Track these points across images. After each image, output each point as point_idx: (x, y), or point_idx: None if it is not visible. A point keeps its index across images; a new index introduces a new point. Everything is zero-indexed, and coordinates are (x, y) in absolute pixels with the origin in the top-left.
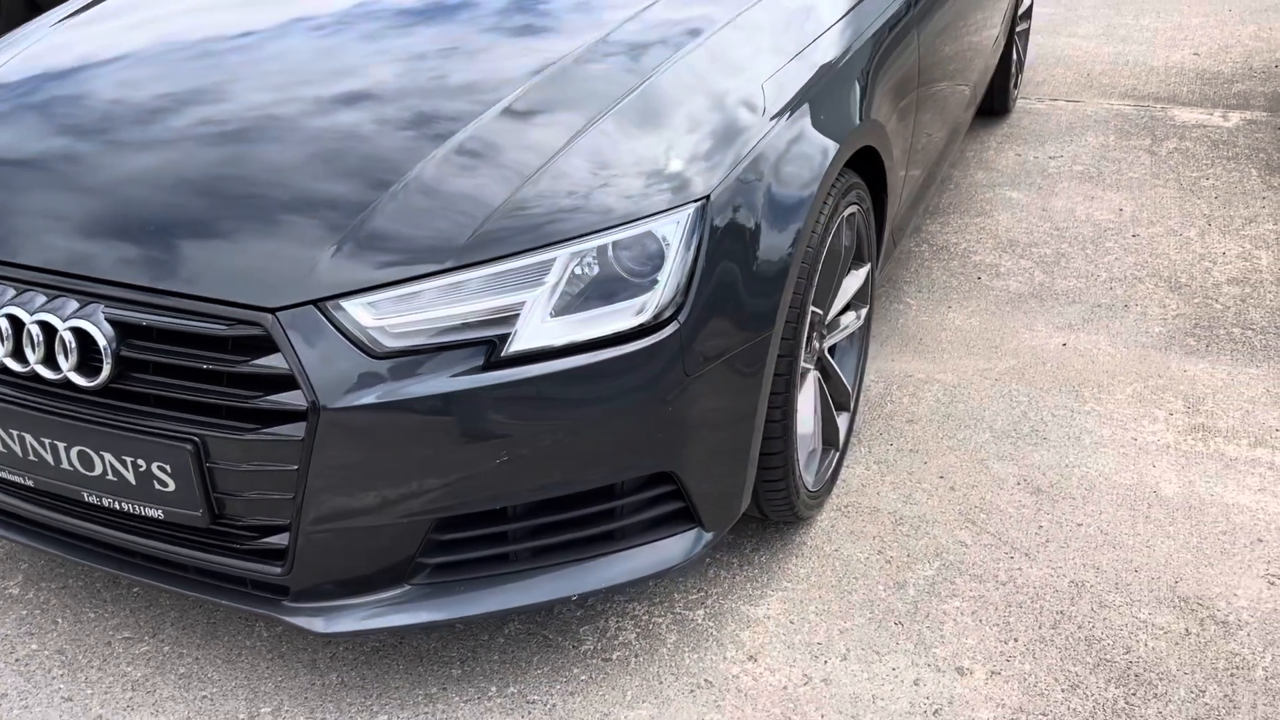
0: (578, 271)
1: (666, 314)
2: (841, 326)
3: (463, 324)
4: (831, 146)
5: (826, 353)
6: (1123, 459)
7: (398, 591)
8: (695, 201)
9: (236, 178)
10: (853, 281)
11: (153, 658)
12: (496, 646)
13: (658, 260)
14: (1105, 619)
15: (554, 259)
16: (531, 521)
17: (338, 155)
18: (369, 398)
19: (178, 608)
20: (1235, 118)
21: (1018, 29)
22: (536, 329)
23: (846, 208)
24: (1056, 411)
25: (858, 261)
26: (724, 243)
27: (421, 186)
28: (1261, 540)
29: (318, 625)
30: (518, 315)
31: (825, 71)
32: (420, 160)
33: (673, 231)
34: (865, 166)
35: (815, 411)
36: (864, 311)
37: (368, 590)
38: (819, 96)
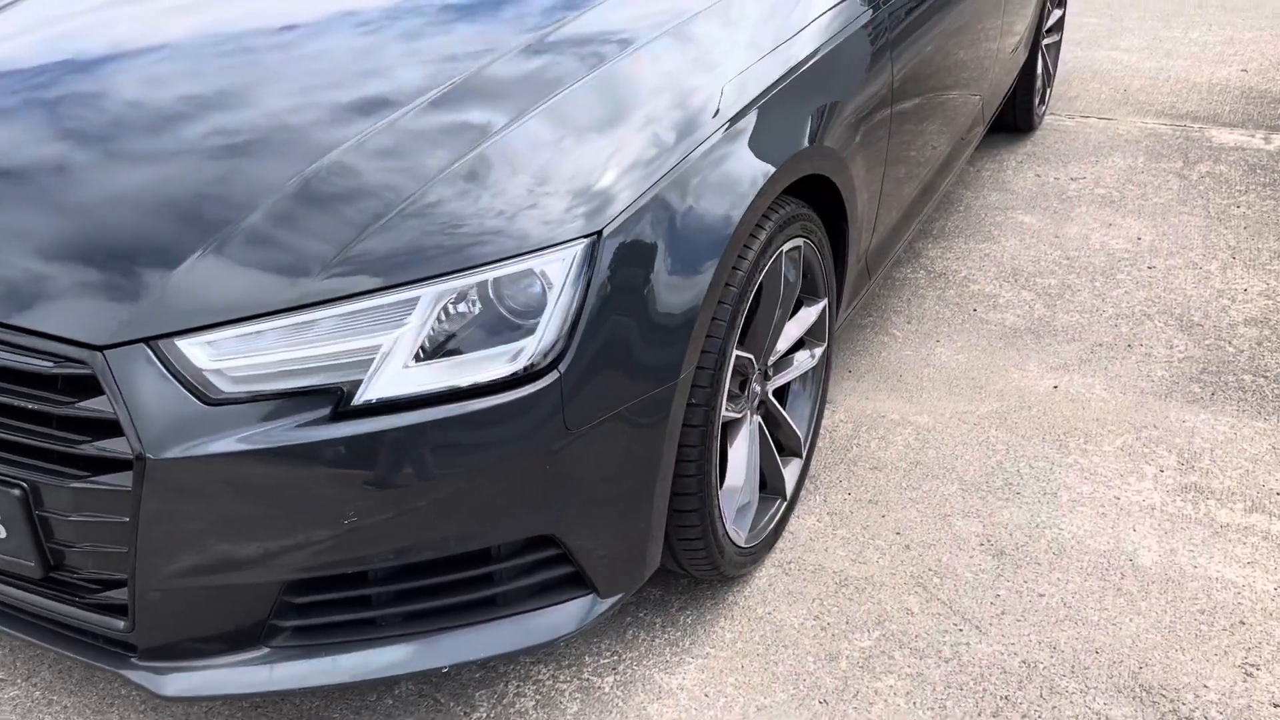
0: (451, 312)
1: (545, 362)
2: (792, 366)
3: (311, 368)
4: (762, 175)
5: (771, 396)
6: (1100, 520)
7: (255, 654)
8: (585, 238)
9: (77, 202)
10: (804, 320)
11: (21, 703)
12: (383, 709)
13: (539, 302)
14: (1055, 707)
15: (418, 298)
16: (395, 586)
17: (188, 179)
18: (200, 449)
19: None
20: (1277, 141)
21: (1045, 42)
22: (396, 376)
23: (788, 241)
24: (1035, 463)
25: (811, 297)
26: (620, 283)
27: (276, 215)
28: (1243, 623)
29: (161, 686)
30: (372, 360)
31: (764, 93)
32: (277, 187)
33: (557, 270)
34: (821, 194)
35: (752, 461)
36: (820, 350)
37: (221, 651)
38: (754, 120)
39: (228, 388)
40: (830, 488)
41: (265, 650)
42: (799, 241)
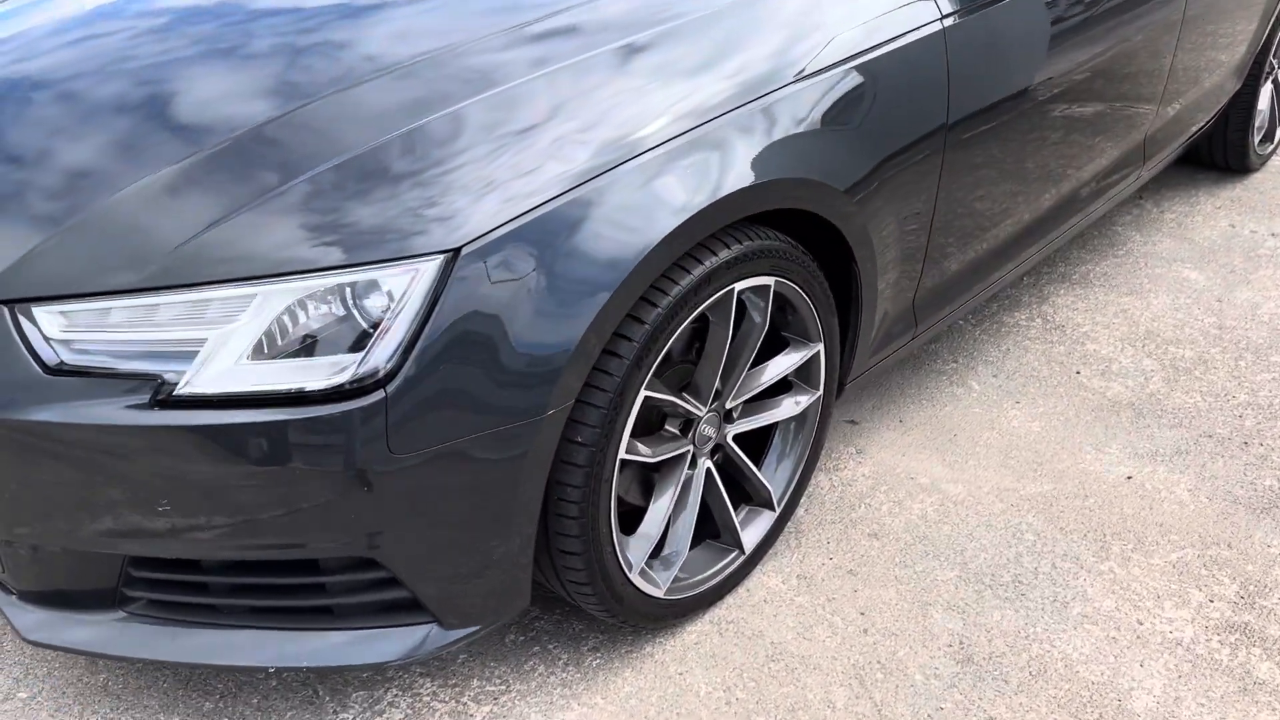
0: (311, 312)
1: (372, 380)
2: (766, 412)
3: (146, 352)
4: (693, 206)
5: (731, 442)
6: (1106, 645)
7: (110, 616)
8: (438, 254)
9: None
10: (782, 363)
11: None
12: (263, 689)
13: (379, 316)
14: None
15: (254, 295)
16: (229, 579)
17: (64, 151)
18: (28, 413)
19: None
20: None
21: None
22: (224, 372)
23: (745, 278)
24: (1061, 562)
25: (799, 339)
26: (477, 308)
27: (147, 194)
28: None
29: (24, 628)
30: (198, 352)
31: (710, 118)
32: (149, 167)
33: (399, 285)
34: (825, 229)
35: (687, 509)
36: (807, 400)
37: (82, 607)
38: (694, 146)
39: (68, 358)
40: (814, 547)
41: (122, 615)
42: (765, 280)
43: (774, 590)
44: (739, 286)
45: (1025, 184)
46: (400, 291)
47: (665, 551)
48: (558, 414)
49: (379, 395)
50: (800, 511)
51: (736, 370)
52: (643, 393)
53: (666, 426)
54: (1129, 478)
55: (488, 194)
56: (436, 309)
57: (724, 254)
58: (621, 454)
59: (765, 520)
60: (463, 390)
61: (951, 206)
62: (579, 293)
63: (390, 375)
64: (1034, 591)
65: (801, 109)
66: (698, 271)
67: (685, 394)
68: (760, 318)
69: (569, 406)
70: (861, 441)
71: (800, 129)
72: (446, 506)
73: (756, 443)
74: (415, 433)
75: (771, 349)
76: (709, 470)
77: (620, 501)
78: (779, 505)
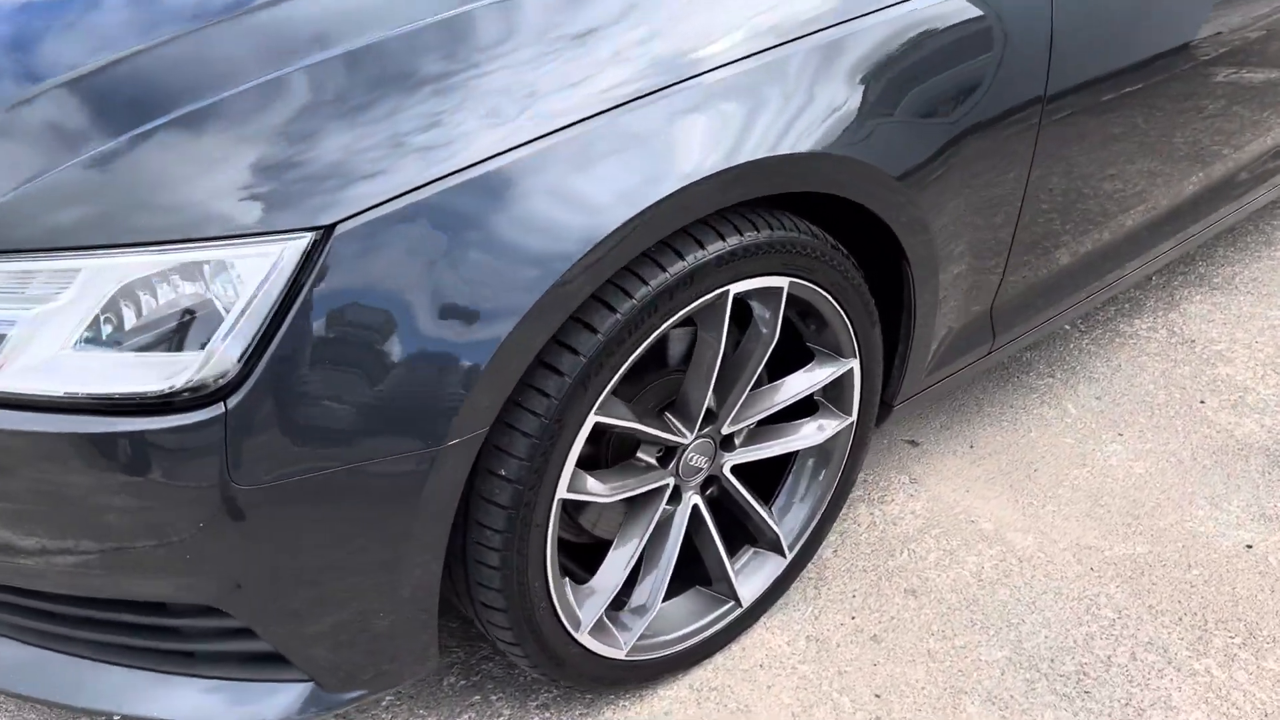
0: (137, 298)
1: (212, 388)
2: (779, 439)
3: None
4: (664, 186)
5: (728, 474)
6: None
7: None
8: (306, 232)
9: None
10: (801, 382)
11: None
12: None
13: (226, 308)
14: None
15: (77, 270)
16: (67, 608)
17: None
18: None
19: None
20: None
21: None
22: (37, 365)
23: (746, 279)
24: (1142, 653)
25: (827, 353)
26: (356, 304)
27: None
28: None
29: None
30: (5, 336)
31: (702, 71)
32: None
33: (256, 269)
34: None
35: (661, 554)
36: (836, 425)
37: None
38: (675, 104)
39: None
40: (835, 600)
41: None
42: (774, 282)
43: (776, 652)
44: (736, 289)
45: (1169, 163)
46: (255, 277)
47: (633, 602)
48: (465, 443)
49: (217, 410)
50: (827, 552)
51: (736, 389)
52: (592, 418)
53: (640, 455)
54: (1249, 547)
55: (376, 160)
56: (299, 302)
57: (715, 247)
58: (562, 493)
59: (772, 567)
60: (331, 408)
61: (1060, 189)
62: (500, 290)
63: (235, 384)
64: (1101, 689)
65: (843, 63)
66: (676, 269)
67: (670, 414)
68: (768, 327)
69: (483, 434)
70: (919, 469)
71: (844, 90)
72: (311, 551)
73: (773, 472)
74: (265, 458)
75: (794, 360)
76: (696, 507)
77: (583, 533)
78: (790, 552)
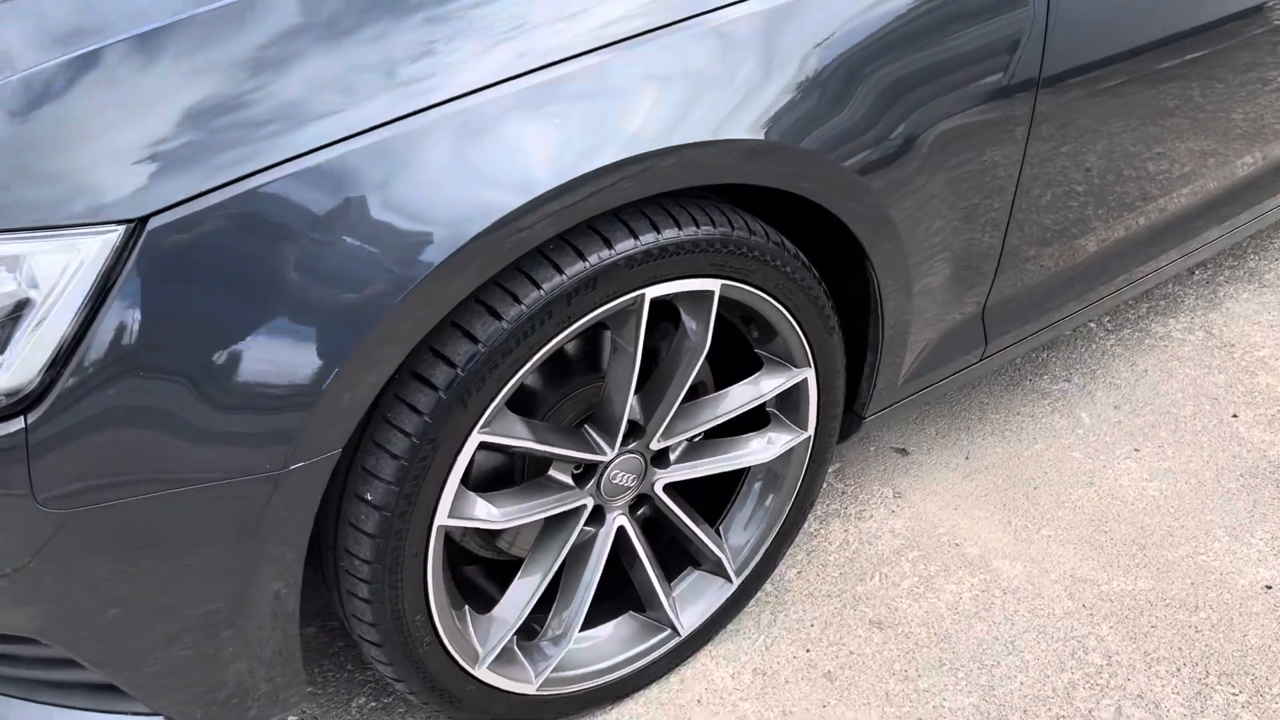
0: None
1: (11, 402)
2: (721, 455)
3: None
4: (562, 173)
5: (661, 493)
6: None
7: None
8: (116, 225)
9: None
10: (745, 393)
11: None
12: None
13: (20, 310)
14: None
15: None
16: None
17: None
18: None
19: None
20: None
21: None
22: None
23: (666, 282)
24: (1130, 707)
25: (778, 363)
26: (181, 306)
27: None
28: None
29: None
30: None
31: (607, 41)
32: None
33: (55, 266)
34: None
35: (578, 581)
36: (789, 440)
37: None
38: (581, 78)
39: None
40: (791, 628)
41: None
42: (703, 285)
43: (717, 685)
44: (653, 293)
45: (1224, 142)
46: (55, 276)
47: (549, 631)
48: (313, 467)
49: (17, 425)
50: (790, 571)
51: (665, 400)
52: (477, 437)
53: (552, 472)
54: (1268, 588)
55: (205, 140)
56: (108, 305)
57: (625, 246)
58: (443, 519)
59: (718, 592)
60: (150, 425)
61: (1044, 183)
62: (351, 290)
63: (36, 396)
64: None
65: (788, 34)
66: (575, 270)
67: (590, 428)
68: (697, 335)
69: (335, 455)
70: (905, 481)
71: (787, 66)
72: (136, 581)
73: (726, 486)
74: (72, 479)
75: (751, 365)
76: (623, 529)
77: (503, 550)
78: (737, 577)
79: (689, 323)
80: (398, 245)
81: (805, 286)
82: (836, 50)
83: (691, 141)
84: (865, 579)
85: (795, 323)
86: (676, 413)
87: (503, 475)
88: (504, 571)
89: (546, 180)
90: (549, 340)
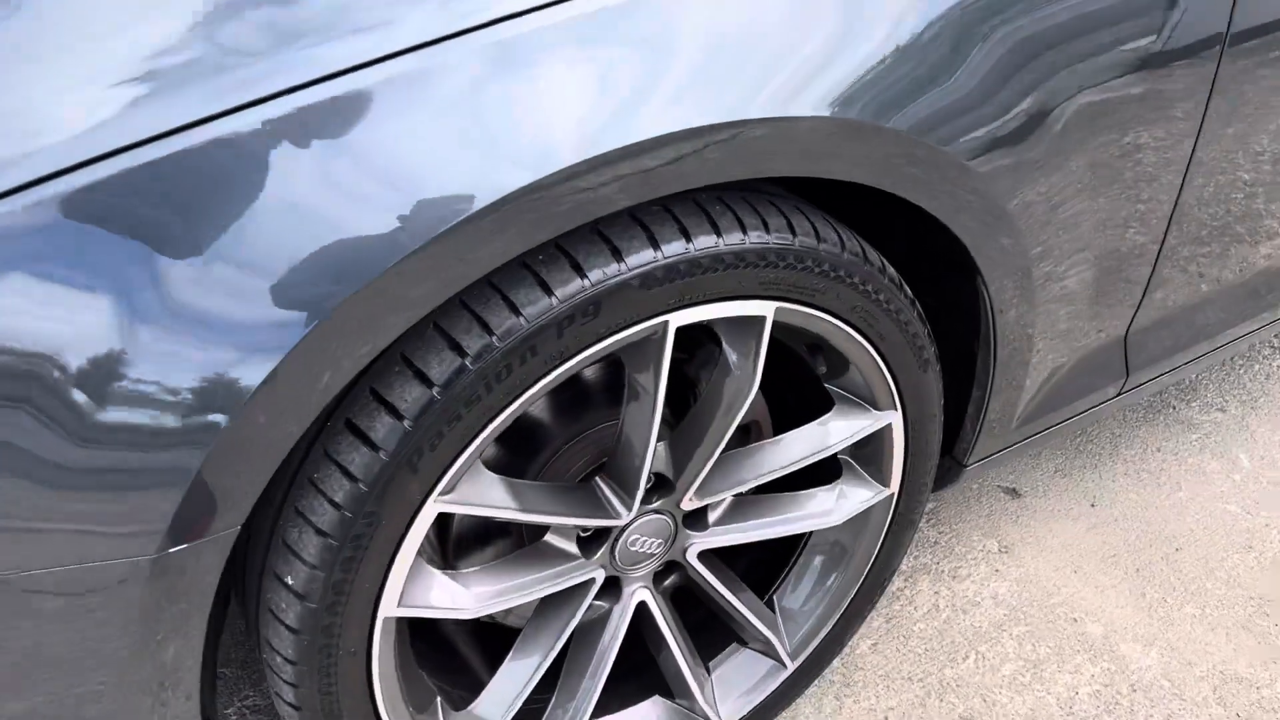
0: None
1: None
2: (777, 517)
3: None
4: (563, 157)
5: (696, 562)
6: None
7: None
8: None
9: None
10: (809, 440)
11: None
12: None
13: None
14: None
15: None
16: None
17: None
18: None
19: None
20: None
21: None
22: None
23: (698, 305)
24: None
25: (854, 404)
26: (7, 334)
27: None
28: None
29: None
30: None
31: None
32: None
33: None
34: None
35: (587, 668)
36: (872, 497)
37: None
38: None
39: None
40: (859, 717)
41: None
42: (755, 308)
43: None
44: (680, 320)
45: None
46: None
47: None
48: (202, 547)
49: None
50: (864, 644)
51: (701, 451)
52: (434, 506)
53: (550, 538)
54: None
55: (46, 109)
56: None
57: (640, 258)
58: (390, 610)
59: (769, 676)
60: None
61: (1261, 154)
62: (253, 311)
63: None
64: None
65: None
66: (569, 291)
67: (602, 480)
68: (743, 369)
69: (233, 534)
70: (1014, 532)
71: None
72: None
73: (779, 547)
74: None
75: (808, 400)
76: (644, 606)
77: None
78: (793, 660)
79: (731, 355)
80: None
81: (892, 310)
82: (943, 3)
83: (742, 119)
84: (957, 659)
85: (878, 355)
86: (716, 465)
87: (476, 535)
88: (498, 639)
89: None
90: (532, 383)
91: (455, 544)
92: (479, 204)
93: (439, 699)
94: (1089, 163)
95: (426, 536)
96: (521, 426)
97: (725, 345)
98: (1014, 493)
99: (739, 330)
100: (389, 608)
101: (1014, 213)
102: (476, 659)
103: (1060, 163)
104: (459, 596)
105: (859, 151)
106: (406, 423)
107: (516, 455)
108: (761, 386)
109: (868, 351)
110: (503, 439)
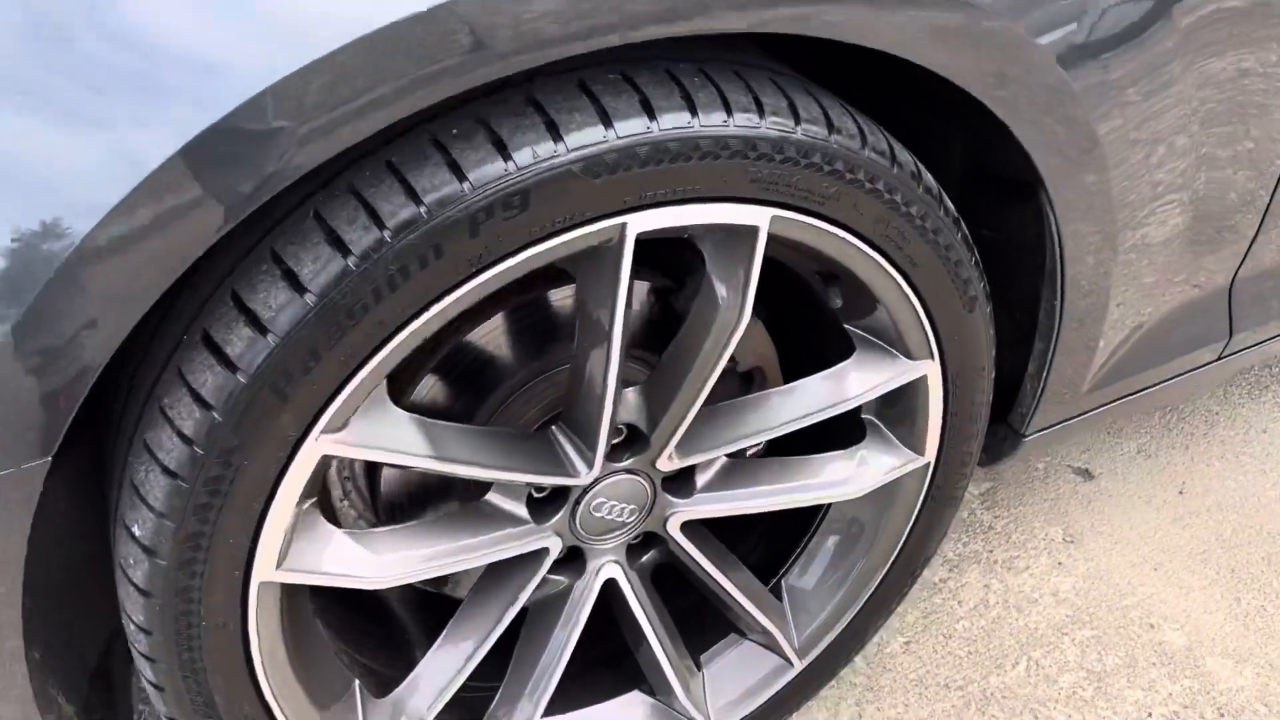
0: None
1: None
2: (783, 486)
3: None
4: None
5: (679, 534)
6: None
7: None
8: None
9: None
10: (820, 392)
11: None
12: None
13: None
14: None
15: None
16: None
17: None
18: None
19: None
20: None
21: None
22: None
23: (678, 205)
24: None
25: (875, 349)
26: None
27: None
28: None
29: None
30: None
31: None
32: None
33: None
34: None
35: (540, 651)
36: (900, 466)
37: None
38: None
39: None
40: None
41: None
42: (743, 214)
43: None
44: (641, 223)
45: None
46: None
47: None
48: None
49: None
50: (894, 640)
51: (680, 398)
52: (316, 447)
53: (492, 497)
54: None
55: None
56: None
57: (586, 137)
58: (268, 574)
59: (772, 674)
60: None
61: None
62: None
63: None
64: None
65: None
66: (486, 174)
67: (559, 431)
68: (731, 297)
69: (40, 467)
70: (1082, 519)
71: None
72: None
73: (797, 524)
74: None
75: (828, 350)
76: (616, 584)
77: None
78: (802, 657)
79: (715, 276)
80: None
81: (929, 229)
82: None
83: None
84: (1005, 666)
85: (909, 287)
86: (702, 418)
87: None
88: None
89: None
90: (439, 296)
91: (390, 506)
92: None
93: (357, 684)
94: (1197, 81)
95: (350, 493)
96: (467, 360)
97: (708, 263)
98: (1086, 474)
99: (726, 245)
100: (265, 570)
101: (1099, 133)
102: (420, 635)
103: (1165, 80)
104: (362, 562)
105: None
106: (270, 336)
107: (463, 396)
108: (769, 325)
109: (896, 282)
110: (446, 375)
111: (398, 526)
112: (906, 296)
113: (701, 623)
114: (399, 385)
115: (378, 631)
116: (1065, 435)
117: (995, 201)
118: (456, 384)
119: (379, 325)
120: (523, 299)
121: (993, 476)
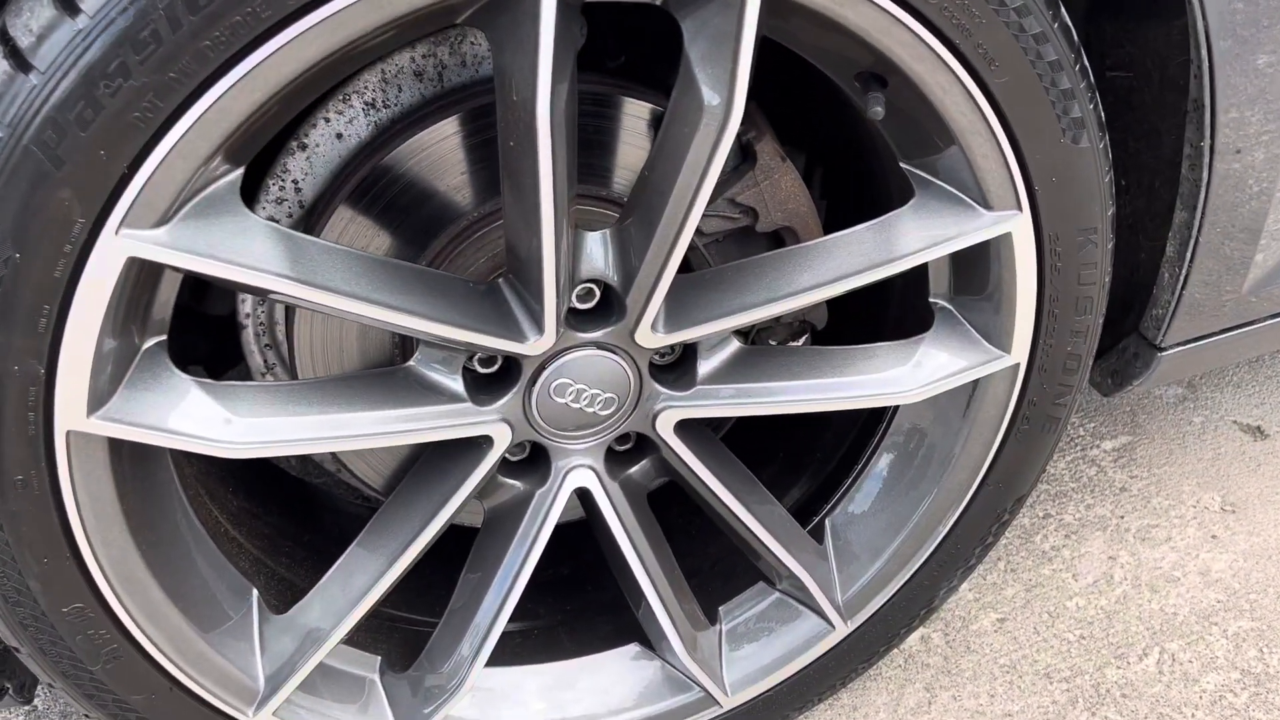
0: None
1: None
2: (821, 382)
3: None
4: None
5: (674, 437)
6: None
7: None
8: None
9: None
10: (859, 250)
11: None
12: None
13: None
14: None
15: None
16: None
17: None
18: None
19: None
20: None
21: None
22: None
23: None
24: None
25: (937, 191)
26: None
27: None
28: None
29: None
30: None
31: None
32: None
33: None
34: None
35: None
36: (972, 366)
37: None
38: None
39: None
40: None
41: None
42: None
43: None
44: None
45: None
46: None
47: (436, 656)
48: None
49: None
50: (984, 616)
51: (657, 242)
52: (120, 242)
53: (415, 364)
54: None
55: None
56: None
57: None
58: (76, 421)
59: (809, 637)
60: None
61: None
62: None
63: None
64: None
65: None
66: None
67: (506, 283)
68: (717, 79)
69: None
70: (1248, 488)
71: None
72: None
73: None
74: None
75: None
76: (590, 496)
77: None
78: (846, 619)
79: (695, 62)
80: None
81: (1014, 9)
82: None
83: None
84: (1130, 657)
85: (985, 97)
86: (695, 281)
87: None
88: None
89: None
90: (269, 30)
91: None
92: None
93: (255, 595)
94: None
95: (273, 365)
96: (395, 189)
97: (686, 42)
98: (1258, 432)
99: (705, 12)
100: (72, 418)
101: None
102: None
103: None
104: (216, 422)
105: None
106: (34, 74)
107: (394, 238)
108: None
109: (964, 87)
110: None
111: (277, 383)
112: (980, 110)
113: (722, 564)
114: (309, 221)
115: (306, 539)
116: (1221, 358)
117: (1126, 26)
118: (380, 219)
119: (193, 59)
120: (472, 105)
121: (1132, 429)
